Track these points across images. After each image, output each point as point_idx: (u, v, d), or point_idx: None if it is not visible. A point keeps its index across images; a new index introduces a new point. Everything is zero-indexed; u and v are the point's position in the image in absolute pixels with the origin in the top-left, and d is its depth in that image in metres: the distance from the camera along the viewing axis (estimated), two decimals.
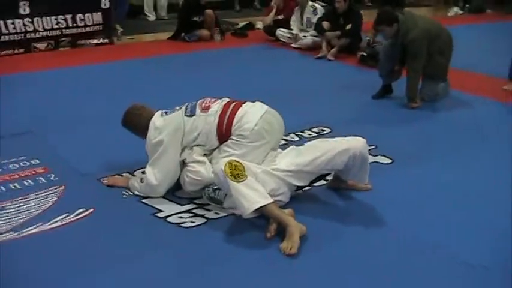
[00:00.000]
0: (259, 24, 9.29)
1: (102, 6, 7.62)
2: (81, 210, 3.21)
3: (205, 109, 3.36)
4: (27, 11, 7.05)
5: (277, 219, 2.94)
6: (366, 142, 3.28)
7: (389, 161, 4.05)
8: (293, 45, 7.88)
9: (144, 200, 3.35)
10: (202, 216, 3.18)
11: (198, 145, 3.36)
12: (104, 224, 3.11)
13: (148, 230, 3.07)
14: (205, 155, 3.38)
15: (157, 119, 3.38)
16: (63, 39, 7.40)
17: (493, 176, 3.81)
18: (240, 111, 3.33)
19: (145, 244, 2.94)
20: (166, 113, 3.42)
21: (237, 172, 2.90)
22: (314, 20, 7.82)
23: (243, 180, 2.89)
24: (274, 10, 8.43)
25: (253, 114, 3.32)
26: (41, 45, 7.28)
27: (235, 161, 2.98)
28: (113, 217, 3.20)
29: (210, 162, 3.32)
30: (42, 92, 5.64)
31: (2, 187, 3.51)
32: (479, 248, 2.91)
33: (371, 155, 4.05)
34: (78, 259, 2.80)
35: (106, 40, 7.77)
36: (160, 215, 3.19)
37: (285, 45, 7.99)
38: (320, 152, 3.19)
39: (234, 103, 3.41)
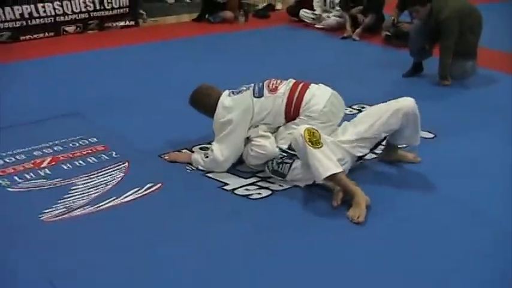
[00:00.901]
0: (279, 5, 9.39)
1: None
2: (150, 184, 3.36)
3: (273, 90, 3.49)
4: None
5: (345, 188, 3.10)
6: (414, 101, 3.46)
7: (432, 135, 4.20)
8: (317, 25, 7.97)
9: (208, 175, 3.50)
10: (267, 188, 3.34)
11: (264, 124, 3.51)
12: (175, 197, 3.27)
13: (219, 202, 3.22)
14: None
15: (226, 99, 3.52)
16: (91, 22, 7.50)
17: None
18: (308, 93, 3.47)
19: (218, 215, 3.10)
20: (233, 92, 3.56)
21: (314, 139, 3.07)
22: (337, 0, 7.91)
23: (319, 147, 3.06)
24: None
25: (321, 96, 3.47)
26: (70, 29, 7.37)
27: (313, 128, 3.13)
28: (182, 191, 3.36)
29: (275, 138, 3.47)
30: (77, 74, 5.73)
31: (68, 164, 3.66)
32: None
33: None
34: (157, 229, 2.96)
35: (132, 22, 7.87)
36: (227, 187, 3.35)
37: (308, 26, 8.07)
38: (375, 118, 3.39)
39: (301, 84, 3.53)
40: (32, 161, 3.69)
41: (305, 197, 3.24)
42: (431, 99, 5.11)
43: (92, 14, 7.48)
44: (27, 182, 3.42)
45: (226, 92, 3.59)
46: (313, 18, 8.13)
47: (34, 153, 3.81)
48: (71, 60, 6.32)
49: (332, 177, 3.07)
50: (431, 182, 3.47)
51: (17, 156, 3.75)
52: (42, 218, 3.03)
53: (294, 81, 3.59)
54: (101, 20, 7.57)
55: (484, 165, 3.73)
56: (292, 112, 3.47)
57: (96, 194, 3.28)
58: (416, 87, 5.44)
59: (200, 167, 3.55)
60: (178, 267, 2.63)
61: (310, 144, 3.05)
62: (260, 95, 3.49)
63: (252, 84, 3.57)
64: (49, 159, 3.72)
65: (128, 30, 7.77)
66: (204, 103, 3.63)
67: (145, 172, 3.55)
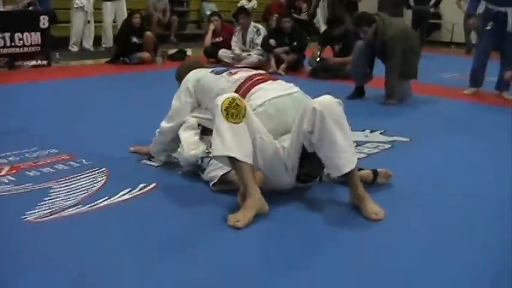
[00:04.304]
0: (189, 51, 9.23)
1: (41, 26, 7.19)
2: (143, 185, 2.94)
3: (231, 74, 3.14)
4: None
5: (242, 184, 2.59)
6: (334, 101, 2.68)
7: (408, 139, 4.13)
8: (237, 65, 7.82)
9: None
10: None
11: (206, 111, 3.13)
12: (175, 196, 2.86)
13: (222, 200, 2.80)
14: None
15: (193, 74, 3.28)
16: (0, 59, 6.85)
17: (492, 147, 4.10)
18: (261, 85, 3.00)
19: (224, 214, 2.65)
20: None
21: (233, 111, 2.57)
22: (257, 40, 7.91)
23: (234, 122, 2.56)
24: (210, 32, 8.44)
25: (266, 92, 2.93)
26: None
27: (241, 100, 2.64)
28: (181, 189, 2.96)
29: None
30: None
31: (33, 171, 3.12)
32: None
33: (386, 135, 4.16)
34: (163, 230, 2.50)
35: (44, 62, 7.30)
36: None
37: (229, 65, 7.91)
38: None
39: (260, 77, 3.10)
40: None
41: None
42: (386, 114, 5.13)
43: (1, 50, 6.84)
44: None
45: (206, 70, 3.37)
46: (232, 58, 8.04)
47: None
48: None
49: (232, 162, 2.58)
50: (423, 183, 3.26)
51: None
52: (27, 219, 2.49)
53: (258, 72, 3.21)
54: (10, 58, 6.94)
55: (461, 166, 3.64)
56: None
57: (84, 195, 2.78)
58: (365, 107, 5.45)
59: (152, 149, 3.36)
60: (187, 278, 2.09)
61: (224, 113, 2.55)
62: (218, 73, 3.20)
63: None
64: (7, 168, 3.15)
65: (42, 69, 7.18)
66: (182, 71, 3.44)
67: (132, 174, 3.12)
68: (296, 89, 3.04)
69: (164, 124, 3.27)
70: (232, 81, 3.07)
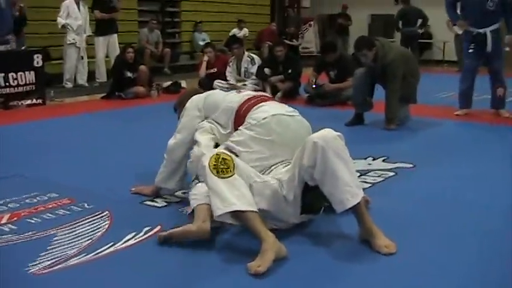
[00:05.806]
0: (184, 83, 9.21)
1: (35, 64, 7.14)
2: (147, 228, 2.86)
3: (239, 92, 3.42)
4: None
5: (253, 231, 2.50)
6: (334, 134, 2.67)
7: (411, 165, 4.09)
8: None
9: None
10: None
11: (215, 122, 3.22)
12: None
13: (234, 240, 2.76)
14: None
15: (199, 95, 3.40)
16: None
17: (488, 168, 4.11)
18: (266, 103, 3.08)
19: (236, 255, 2.62)
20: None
21: (222, 166, 2.55)
22: (252, 70, 7.91)
23: (226, 177, 2.53)
24: (204, 64, 8.44)
25: (270, 109, 3.00)
26: None
27: (226, 154, 2.63)
28: None
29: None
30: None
31: (33, 218, 3.05)
32: None
33: (389, 162, 4.11)
34: (173, 273, 2.47)
35: (40, 101, 7.23)
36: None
37: None
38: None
39: (266, 96, 3.29)
40: None
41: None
42: (387, 140, 5.08)
43: None
44: None
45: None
46: (227, 88, 8.00)
47: None
48: None
49: (237, 216, 2.51)
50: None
51: None
52: (30, 271, 2.42)
53: (263, 94, 3.48)
54: (6, 98, 6.88)
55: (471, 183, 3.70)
56: (242, 113, 3.07)
57: (87, 242, 2.71)
58: (365, 133, 5.43)
59: (159, 178, 3.33)
60: None
61: (214, 172, 2.53)
62: (226, 91, 3.50)
63: None
64: (8, 216, 3.08)
65: (37, 108, 7.12)
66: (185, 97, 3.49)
67: (135, 217, 3.05)
68: (298, 113, 3.10)
69: (171, 140, 3.30)
70: (240, 96, 3.21)
